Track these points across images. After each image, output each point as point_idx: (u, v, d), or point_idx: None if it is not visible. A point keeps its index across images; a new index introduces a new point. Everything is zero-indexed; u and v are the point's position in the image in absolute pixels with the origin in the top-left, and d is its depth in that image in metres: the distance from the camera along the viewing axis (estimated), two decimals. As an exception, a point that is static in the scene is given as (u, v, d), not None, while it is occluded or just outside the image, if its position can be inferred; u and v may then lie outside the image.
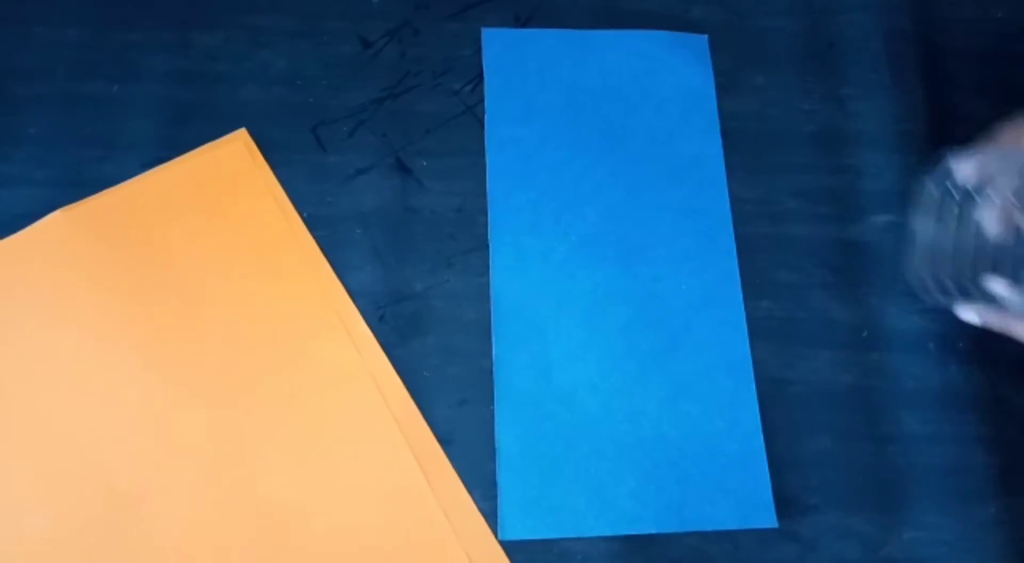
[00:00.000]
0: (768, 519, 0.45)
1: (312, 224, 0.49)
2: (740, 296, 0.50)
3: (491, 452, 0.45)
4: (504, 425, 0.46)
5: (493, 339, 0.48)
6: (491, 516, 0.44)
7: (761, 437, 0.47)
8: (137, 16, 0.53)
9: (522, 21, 0.56)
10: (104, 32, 0.53)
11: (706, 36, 0.56)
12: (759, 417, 0.47)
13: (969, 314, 0.41)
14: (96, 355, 0.45)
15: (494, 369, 0.47)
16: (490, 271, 0.49)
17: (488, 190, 0.51)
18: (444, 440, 0.45)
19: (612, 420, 0.46)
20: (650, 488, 0.45)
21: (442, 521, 0.43)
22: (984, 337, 0.50)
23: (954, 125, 0.52)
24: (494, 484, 0.45)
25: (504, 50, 0.54)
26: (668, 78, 0.54)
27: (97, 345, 0.46)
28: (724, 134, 0.53)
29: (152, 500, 0.43)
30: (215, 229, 0.49)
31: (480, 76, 0.54)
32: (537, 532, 0.44)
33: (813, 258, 0.51)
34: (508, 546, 0.43)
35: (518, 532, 0.44)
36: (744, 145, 0.53)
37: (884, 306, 0.50)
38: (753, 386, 0.48)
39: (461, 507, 0.44)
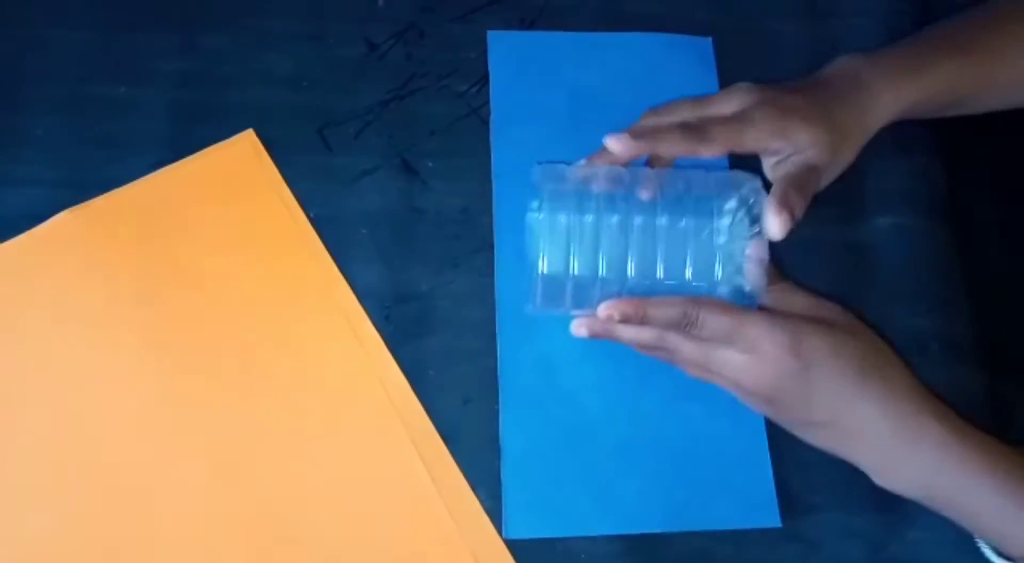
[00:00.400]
0: (772, 519, 0.45)
1: (318, 224, 0.49)
2: (743, 297, 0.50)
3: (495, 451, 0.45)
4: (509, 424, 0.46)
5: (498, 339, 0.48)
6: (495, 515, 0.44)
7: (765, 436, 0.47)
8: (144, 18, 0.54)
9: (527, 23, 0.56)
10: (112, 34, 0.53)
11: (710, 39, 0.56)
12: (763, 417, 0.47)
13: (580, 328, 0.42)
14: (103, 354, 0.46)
15: (499, 368, 0.47)
16: (495, 271, 0.49)
17: (493, 191, 0.51)
18: (449, 439, 0.45)
19: (616, 419, 0.46)
20: (654, 487, 0.45)
21: (446, 520, 0.44)
22: (986, 339, 0.50)
23: (956, 125, 0.52)
24: (498, 483, 0.45)
25: (509, 52, 0.55)
26: (672, 80, 0.55)
27: (104, 344, 0.46)
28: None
29: (157, 498, 0.43)
30: (222, 229, 0.49)
31: (485, 78, 0.54)
32: (541, 531, 0.44)
33: (816, 259, 0.51)
34: (512, 545, 0.43)
35: (522, 531, 0.44)
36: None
37: (887, 307, 0.50)
38: (757, 386, 0.48)
39: (465, 506, 0.44)
